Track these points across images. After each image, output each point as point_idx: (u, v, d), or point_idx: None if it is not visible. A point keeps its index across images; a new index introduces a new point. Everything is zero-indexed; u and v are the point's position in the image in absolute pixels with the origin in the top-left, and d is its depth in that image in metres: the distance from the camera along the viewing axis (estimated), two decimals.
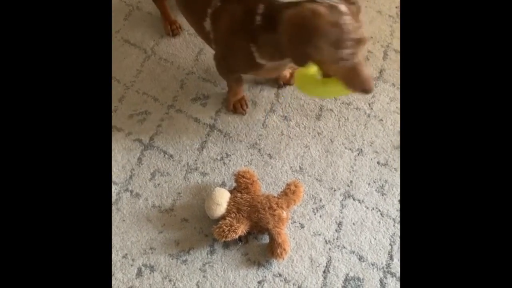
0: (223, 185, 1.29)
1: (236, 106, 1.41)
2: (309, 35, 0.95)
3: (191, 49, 1.55)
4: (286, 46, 1.01)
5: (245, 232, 1.16)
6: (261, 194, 1.22)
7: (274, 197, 1.20)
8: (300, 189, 1.20)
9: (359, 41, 0.96)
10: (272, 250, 1.15)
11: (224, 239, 1.14)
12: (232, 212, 1.17)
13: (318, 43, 0.95)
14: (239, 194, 1.20)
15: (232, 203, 1.18)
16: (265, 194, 1.21)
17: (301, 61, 1.02)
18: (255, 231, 1.20)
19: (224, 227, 1.13)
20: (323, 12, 0.93)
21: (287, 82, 1.45)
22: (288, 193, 1.19)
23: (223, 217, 1.17)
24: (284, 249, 1.13)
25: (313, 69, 1.08)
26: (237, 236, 1.15)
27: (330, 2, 0.95)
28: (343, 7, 0.95)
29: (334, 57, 0.97)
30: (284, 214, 1.16)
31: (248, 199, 1.18)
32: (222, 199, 1.18)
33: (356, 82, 0.99)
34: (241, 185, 1.21)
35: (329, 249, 1.20)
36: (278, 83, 1.46)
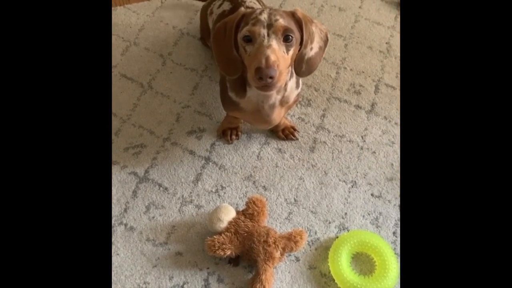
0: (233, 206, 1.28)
1: (225, 133, 1.43)
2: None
3: (187, 83, 1.58)
4: (213, 43, 1.10)
5: (234, 255, 1.17)
6: (264, 226, 1.21)
7: (275, 233, 1.19)
8: (303, 241, 1.18)
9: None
10: (253, 283, 1.13)
11: (212, 253, 1.16)
12: (229, 231, 1.17)
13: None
14: (242, 217, 1.20)
15: (233, 223, 1.19)
16: (267, 227, 1.20)
17: (229, 69, 1.08)
18: (245, 259, 1.19)
19: (216, 242, 1.15)
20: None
21: None
22: (291, 239, 1.17)
23: (220, 233, 1.18)
24: (264, 287, 1.12)
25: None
26: (224, 255, 1.15)
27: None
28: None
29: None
30: (277, 254, 1.15)
31: (249, 226, 1.18)
32: (225, 216, 1.20)
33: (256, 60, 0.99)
34: (249, 210, 1.22)
35: (325, 282, 1.19)
36: None
